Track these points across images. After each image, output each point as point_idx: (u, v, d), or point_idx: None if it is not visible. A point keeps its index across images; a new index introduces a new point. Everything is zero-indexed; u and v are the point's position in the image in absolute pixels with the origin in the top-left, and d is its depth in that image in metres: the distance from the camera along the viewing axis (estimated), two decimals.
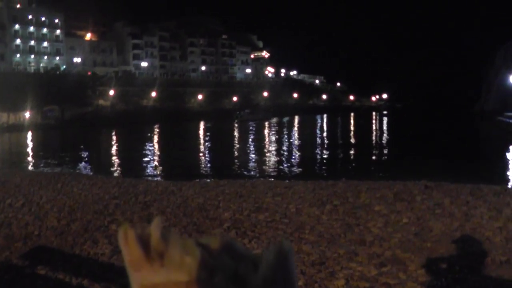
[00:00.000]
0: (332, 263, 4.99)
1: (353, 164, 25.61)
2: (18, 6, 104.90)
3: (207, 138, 51.58)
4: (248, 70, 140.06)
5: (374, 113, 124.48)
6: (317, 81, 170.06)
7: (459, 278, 4.62)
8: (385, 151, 33.01)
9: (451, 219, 6.51)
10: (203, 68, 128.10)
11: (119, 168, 26.50)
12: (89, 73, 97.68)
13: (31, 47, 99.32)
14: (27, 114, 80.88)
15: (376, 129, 61.82)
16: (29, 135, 65.00)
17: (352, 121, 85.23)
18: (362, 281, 4.57)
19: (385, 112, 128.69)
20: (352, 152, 33.79)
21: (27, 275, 5.02)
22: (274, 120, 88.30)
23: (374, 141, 42.25)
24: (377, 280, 4.61)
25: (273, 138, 47.75)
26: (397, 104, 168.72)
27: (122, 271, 4.19)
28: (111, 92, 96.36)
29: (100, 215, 7.40)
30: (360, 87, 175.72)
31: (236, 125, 75.38)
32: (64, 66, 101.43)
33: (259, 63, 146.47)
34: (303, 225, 6.36)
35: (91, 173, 21.40)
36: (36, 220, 7.34)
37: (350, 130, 61.71)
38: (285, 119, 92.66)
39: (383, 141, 43.03)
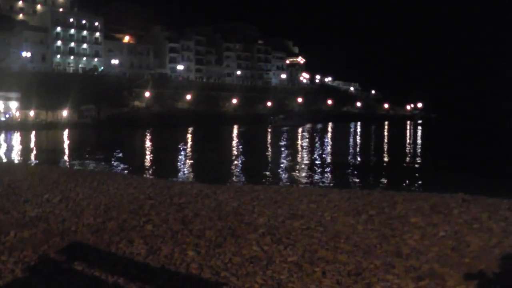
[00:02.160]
0: (368, 274, 4.90)
1: (388, 174, 25.21)
2: (61, 9, 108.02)
3: (241, 143, 51.76)
4: (283, 76, 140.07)
5: (408, 122, 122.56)
6: (352, 88, 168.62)
7: None
8: (420, 162, 32.39)
9: (489, 234, 6.31)
10: (238, 72, 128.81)
11: (153, 169, 26.85)
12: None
13: (71, 48, 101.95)
14: (65, 113, 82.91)
15: (411, 139, 60.78)
16: (66, 133, 66.56)
17: (386, 130, 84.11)
18: None
19: (419, 122, 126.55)
20: (386, 162, 33.34)
21: (64, 270, 5.09)
22: (308, 126, 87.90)
23: (409, 152, 41.54)
24: None
25: (307, 145, 47.54)
26: (432, 114, 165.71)
27: (157, 272, 4.18)
28: (147, 94, 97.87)
29: (136, 215, 7.47)
30: (395, 96, 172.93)
31: (270, 130, 75.39)
32: (102, 68, 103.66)
33: (294, 69, 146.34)
34: (339, 234, 6.28)
35: (126, 173, 21.73)
36: (73, 217, 7.46)
37: (384, 139, 60.87)
38: (319, 125, 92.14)
39: (418, 152, 42.27)
